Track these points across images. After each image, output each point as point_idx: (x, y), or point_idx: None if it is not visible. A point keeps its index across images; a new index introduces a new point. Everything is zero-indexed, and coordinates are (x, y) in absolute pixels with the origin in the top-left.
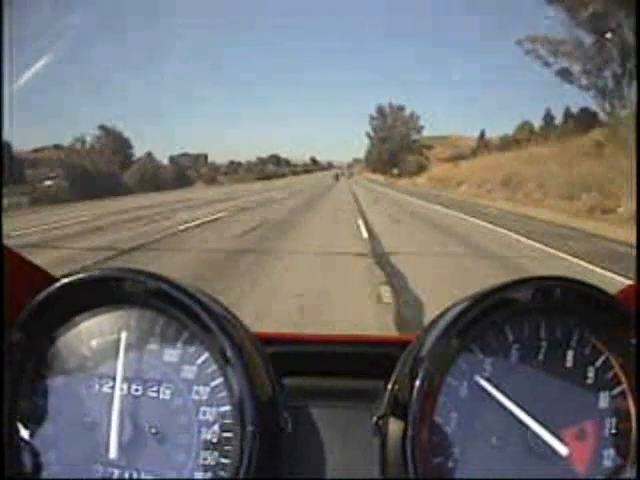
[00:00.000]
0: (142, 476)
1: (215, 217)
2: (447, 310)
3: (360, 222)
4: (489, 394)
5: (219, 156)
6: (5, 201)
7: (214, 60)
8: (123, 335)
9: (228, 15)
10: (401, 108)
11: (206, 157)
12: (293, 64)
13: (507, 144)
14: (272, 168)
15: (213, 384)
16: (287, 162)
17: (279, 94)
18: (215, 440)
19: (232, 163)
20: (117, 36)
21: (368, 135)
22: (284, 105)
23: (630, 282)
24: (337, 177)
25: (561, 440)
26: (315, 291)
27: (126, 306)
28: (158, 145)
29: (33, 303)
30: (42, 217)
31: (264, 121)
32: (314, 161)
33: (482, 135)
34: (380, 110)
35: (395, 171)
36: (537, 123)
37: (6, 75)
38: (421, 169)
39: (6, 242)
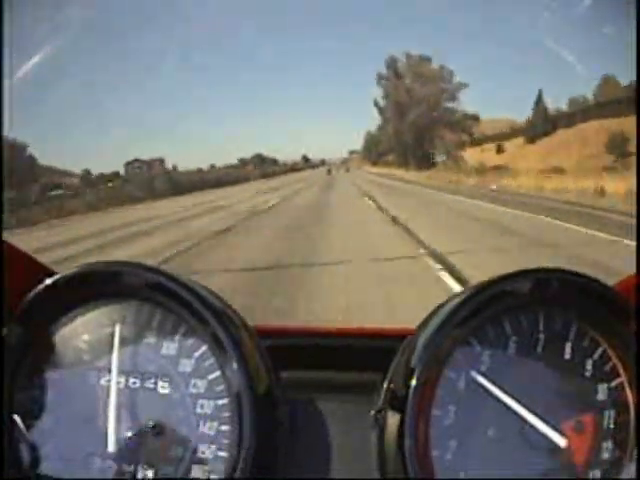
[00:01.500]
0: (139, 469)
1: None
2: (445, 302)
3: None
4: (487, 387)
5: (197, 161)
6: None
7: (190, 53)
8: (120, 328)
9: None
10: (425, 59)
11: (162, 162)
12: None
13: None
14: (229, 172)
15: (211, 377)
16: (274, 161)
17: (264, 85)
18: (213, 433)
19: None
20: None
21: (376, 104)
22: (270, 98)
23: None
24: (329, 172)
25: (560, 433)
26: None
27: (124, 299)
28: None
29: (31, 296)
30: None
31: (248, 119)
32: (306, 159)
33: (539, 98)
34: (392, 65)
35: (442, 158)
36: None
37: (6, 75)
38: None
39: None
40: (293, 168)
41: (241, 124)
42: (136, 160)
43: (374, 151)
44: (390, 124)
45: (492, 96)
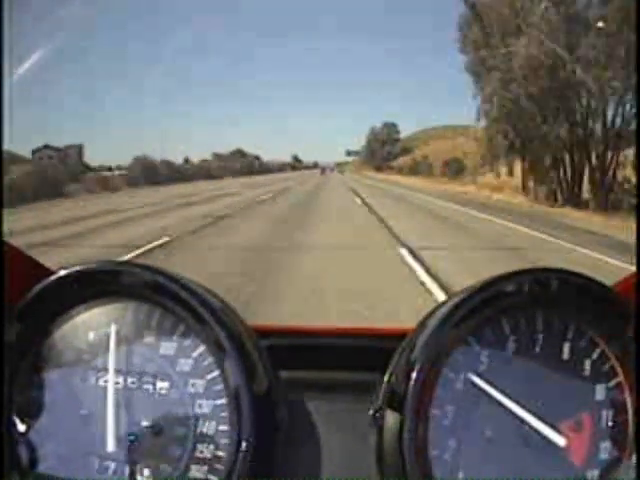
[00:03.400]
0: (138, 469)
1: None
2: (444, 302)
3: None
4: (485, 387)
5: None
6: None
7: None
8: (119, 328)
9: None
10: None
11: (80, 150)
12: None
13: None
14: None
15: (209, 377)
16: (257, 158)
17: (260, 84)
18: (211, 433)
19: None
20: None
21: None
22: (265, 96)
23: None
24: (323, 171)
25: (558, 432)
26: None
27: (122, 299)
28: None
29: (30, 295)
30: None
31: (233, 117)
32: (297, 159)
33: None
34: None
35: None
36: None
37: (6, 74)
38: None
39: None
40: (251, 170)
41: (236, 122)
42: (46, 147)
43: (380, 153)
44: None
45: None
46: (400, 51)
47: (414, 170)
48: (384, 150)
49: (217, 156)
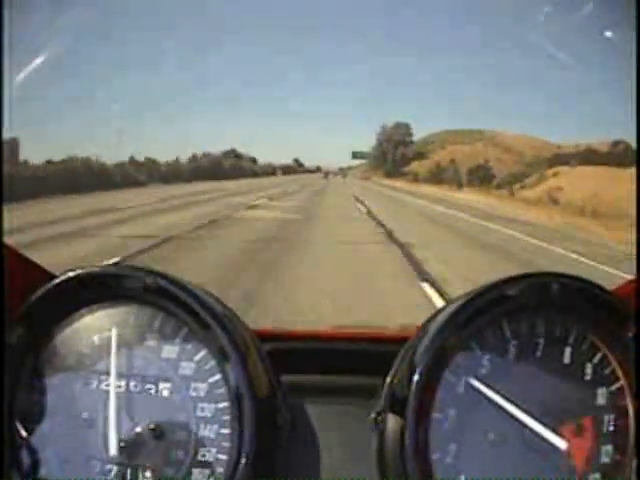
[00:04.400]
0: (140, 472)
1: None
2: (445, 306)
3: None
4: (486, 391)
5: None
6: None
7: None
8: (121, 331)
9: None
10: None
11: (15, 146)
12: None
13: None
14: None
15: (211, 380)
16: (253, 160)
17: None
18: (213, 437)
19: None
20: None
21: None
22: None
23: None
24: (326, 176)
25: (559, 436)
26: None
27: (125, 302)
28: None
29: (32, 299)
30: None
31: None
32: (298, 163)
33: None
34: None
35: None
36: None
37: (6, 75)
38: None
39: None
40: (229, 173)
41: (237, 122)
42: None
43: (392, 156)
44: None
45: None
46: (409, 51)
47: (438, 178)
48: (397, 152)
49: (207, 156)
